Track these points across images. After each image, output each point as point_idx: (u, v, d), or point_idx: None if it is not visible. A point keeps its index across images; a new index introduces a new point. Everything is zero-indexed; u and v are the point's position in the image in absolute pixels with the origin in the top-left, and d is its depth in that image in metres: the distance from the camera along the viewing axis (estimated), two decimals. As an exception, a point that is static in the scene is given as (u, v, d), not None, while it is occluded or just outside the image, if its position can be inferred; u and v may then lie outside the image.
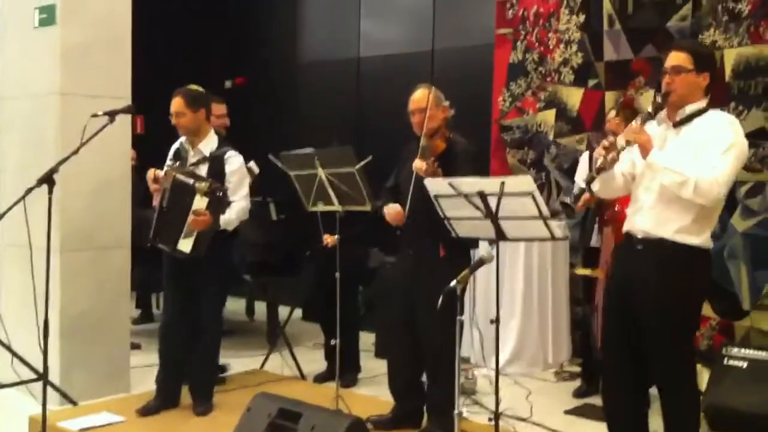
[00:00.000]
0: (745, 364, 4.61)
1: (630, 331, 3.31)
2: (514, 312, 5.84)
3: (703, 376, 5.19)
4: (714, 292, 5.59)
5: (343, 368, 5.42)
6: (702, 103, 3.27)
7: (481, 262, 3.05)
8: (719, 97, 5.49)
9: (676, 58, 3.22)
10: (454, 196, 2.99)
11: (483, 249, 3.30)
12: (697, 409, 3.32)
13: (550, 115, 6.39)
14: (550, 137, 6.39)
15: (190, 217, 4.20)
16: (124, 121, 5.02)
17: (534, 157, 6.50)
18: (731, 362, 4.68)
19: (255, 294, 7.47)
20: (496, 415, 3.20)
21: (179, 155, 4.53)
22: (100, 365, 4.97)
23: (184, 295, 4.50)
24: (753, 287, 5.42)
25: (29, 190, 3.80)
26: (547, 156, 6.42)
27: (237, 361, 5.85)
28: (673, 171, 3.10)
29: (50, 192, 3.78)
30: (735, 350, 4.73)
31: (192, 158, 4.48)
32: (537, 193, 2.87)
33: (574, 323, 6.03)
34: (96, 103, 4.63)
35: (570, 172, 6.22)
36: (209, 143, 4.51)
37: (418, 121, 4.02)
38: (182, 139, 4.54)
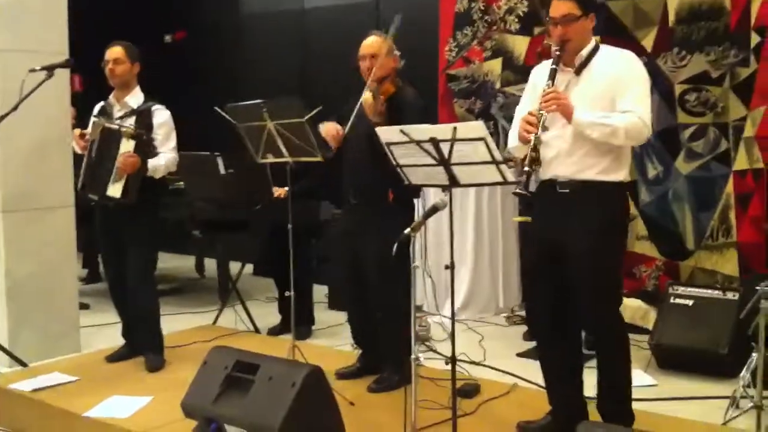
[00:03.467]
0: (690, 302, 4.74)
1: (557, 274, 3.32)
2: (465, 259, 5.89)
3: (650, 315, 5.36)
4: (659, 233, 5.73)
5: (298, 321, 5.47)
6: (592, 43, 3.29)
7: (435, 209, 3.04)
8: (663, 42, 5.58)
9: (563, 7, 3.19)
10: (407, 143, 2.96)
11: (436, 196, 3.28)
12: (626, 342, 3.37)
13: (496, 64, 6.39)
14: (497, 86, 6.39)
15: (119, 160, 4.16)
16: (62, 79, 4.92)
17: (481, 106, 6.51)
18: (677, 301, 4.80)
19: (204, 250, 7.41)
20: (453, 359, 3.22)
21: (104, 111, 4.48)
22: (49, 326, 4.88)
23: (119, 250, 4.46)
24: (697, 228, 5.55)
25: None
26: (495, 105, 6.43)
27: (189, 317, 5.83)
28: (600, 124, 3.12)
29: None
30: (681, 289, 4.85)
31: (118, 112, 4.44)
32: (489, 139, 2.86)
33: (523, 268, 6.12)
34: (34, 59, 4.51)
35: (517, 121, 6.27)
36: (135, 98, 4.48)
37: (368, 66, 3.98)
38: (110, 97, 4.48)
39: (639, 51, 5.48)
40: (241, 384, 3.13)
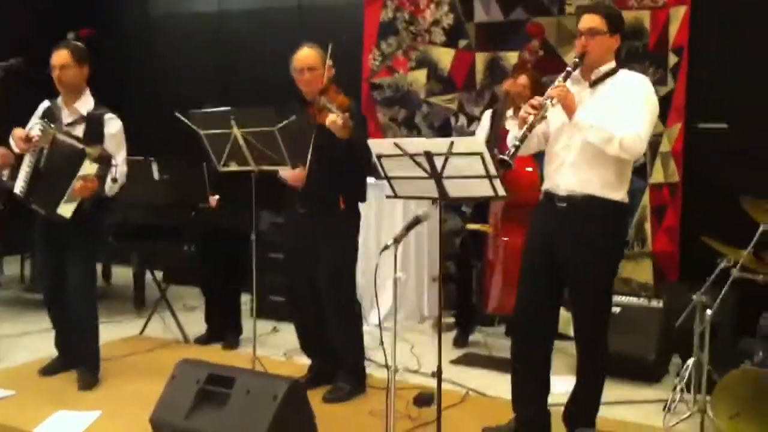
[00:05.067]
0: (618, 309, 4.94)
1: (549, 287, 3.46)
2: (389, 268, 5.90)
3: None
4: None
5: (226, 329, 5.40)
6: (613, 64, 3.43)
7: (418, 221, 3.08)
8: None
9: (591, 20, 3.34)
10: (399, 156, 2.98)
11: (419, 208, 3.33)
12: (607, 356, 3.53)
13: (421, 74, 6.48)
14: (422, 96, 6.48)
15: (77, 183, 3.97)
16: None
17: (405, 115, 6.58)
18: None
19: (113, 258, 7.14)
20: (439, 371, 3.27)
21: (51, 114, 4.23)
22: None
23: (59, 260, 4.26)
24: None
25: None
26: (419, 114, 6.52)
27: (104, 327, 5.61)
28: (600, 128, 3.24)
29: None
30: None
31: (67, 118, 4.23)
32: (487, 154, 2.93)
33: (446, 276, 6.22)
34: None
35: (441, 130, 6.37)
36: (86, 103, 4.28)
37: (308, 79, 3.98)
38: (57, 99, 4.26)
39: (562, 67, 5.81)
40: (215, 398, 3.07)
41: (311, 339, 4.33)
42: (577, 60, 3.35)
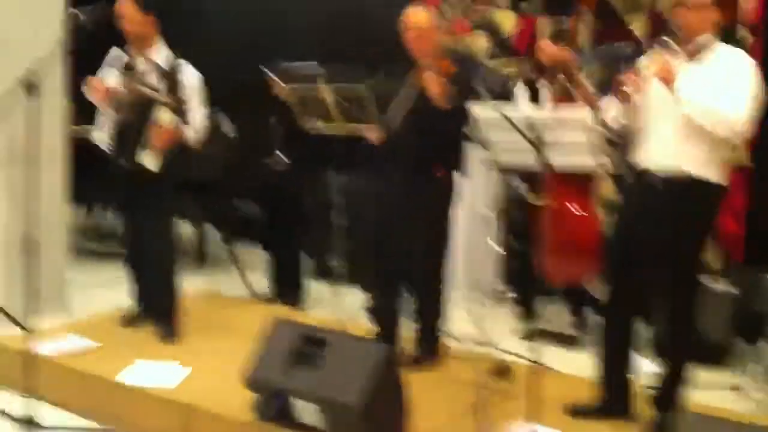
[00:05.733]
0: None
1: (639, 265, 3.43)
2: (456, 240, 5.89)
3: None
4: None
5: (291, 289, 5.41)
6: (710, 36, 3.34)
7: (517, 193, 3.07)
8: (655, 27, 5.63)
9: None
10: (503, 125, 2.95)
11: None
12: (691, 336, 3.52)
13: (480, 38, 6.39)
14: (481, 60, 6.38)
15: (156, 132, 3.97)
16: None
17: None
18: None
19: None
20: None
21: (128, 65, 4.21)
22: (36, 284, 4.63)
23: (138, 211, 4.29)
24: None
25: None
26: (478, 79, 6.41)
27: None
28: (700, 103, 3.18)
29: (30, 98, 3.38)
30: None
31: (141, 67, 4.19)
32: (591, 124, 2.90)
33: (508, 250, 6.20)
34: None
35: (499, 96, 6.27)
36: (160, 53, 4.24)
37: (412, 38, 3.92)
38: (130, 48, 4.22)
39: (630, 37, 5.71)
40: (310, 359, 3.08)
41: (383, 305, 4.28)
42: (675, 30, 3.28)
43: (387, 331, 4.24)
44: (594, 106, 4.79)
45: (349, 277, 5.57)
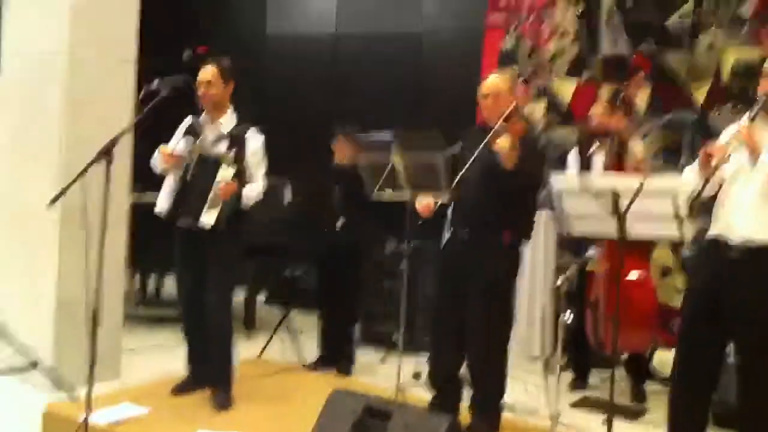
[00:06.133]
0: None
1: (714, 339, 3.34)
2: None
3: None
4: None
5: (341, 356, 5.36)
6: None
7: (588, 261, 3.03)
8: (717, 95, 5.62)
9: None
10: (582, 192, 2.91)
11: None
12: None
13: (540, 105, 6.38)
14: (540, 127, 6.37)
15: (217, 187, 4.04)
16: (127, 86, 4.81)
17: (522, 146, 6.47)
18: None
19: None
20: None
21: (194, 131, 4.29)
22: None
23: (198, 273, 4.27)
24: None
25: (90, 164, 3.49)
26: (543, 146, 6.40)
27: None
28: None
29: (108, 168, 3.48)
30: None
31: (211, 134, 4.27)
32: (680, 194, 2.85)
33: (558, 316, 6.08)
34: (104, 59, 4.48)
35: (557, 164, 6.23)
36: (229, 120, 4.33)
37: (487, 104, 3.91)
38: (201, 116, 4.32)
39: (690, 103, 5.66)
40: (373, 431, 3.00)
41: (444, 371, 4.18)
42: (765, 99, 3.21)
43: (445, 400, 4.15)
44: (644, 174, 4.74)
45: (404, 344, 5.53)
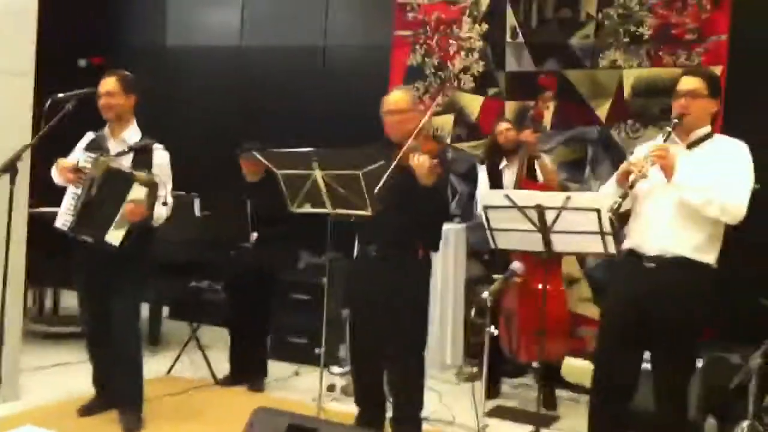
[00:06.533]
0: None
1: (632, 346, 3.44)
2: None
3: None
4: (604, 295, 5.90)
5: (253, 371, 5.27)
6: (709, 128, 3.45)
7: (513, 274, 3.06)
8: (619, 113, 5.84)
9: (692, 82, 3.38)
10: (508, 208, 2.95)
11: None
12: (686, 417, 3.50)
13: (447, 120, 6.47)
14: (447, 141, 6.46)
15: (126, 207, 3.88)
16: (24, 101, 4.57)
17: (429, 160, 6.53)
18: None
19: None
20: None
21: (97, 145, 4.15)
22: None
23: (102, 291, 4.13)
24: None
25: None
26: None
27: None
28: (701, 190, 3.24)
29: (12, 182, 3.32)
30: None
31: (114, 148, 4.16)
32: (604, 210, 2.92)
33: (469, 325, 6.18)
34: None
35: (466, 177, 6.34)
36: (133, 133, 4.22)
37: (396, 121, 3.96)
38: (104, 129, 4.19)
39: (593, 120, 5.87)
40: (299, 450, 2.92)
41: (366, 386, 4.18)
42: (676, 121, 3.36)
43: (371, 415, 4.14)
44: (556, 188, 4.88)
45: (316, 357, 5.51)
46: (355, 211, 3.65)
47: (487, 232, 3.17)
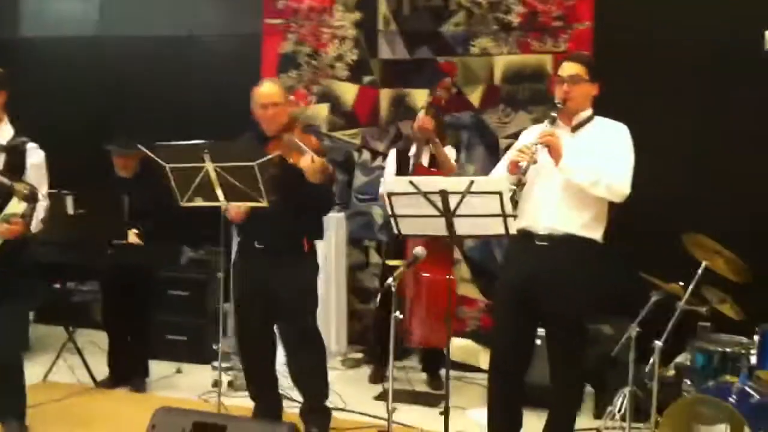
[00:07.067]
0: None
1: (525, 323, 3.56)
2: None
3: (482, 355, 5.66)
4: (482, 275, 6.07)
5: (134, 372, 5.10)
6: (590, 111, 3.60)
7: (416, 259, 3.10)
8: (490, 99, 6.00)
9: (573, 68, 3.51)
10: (412, 194, 2.97)
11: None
12: (583, 388, 3.63)
13: (323, 108, 6.45)
14: (323, 130, 6.44)
15: (2, 225, 3.64)
16: None
17: (306, 149, 6.49)
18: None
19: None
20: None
21: None
22: None
23: None
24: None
25: None
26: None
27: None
28: (587, 170, 3.38)
29: None
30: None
31: None
32: (506, 194, 2.98)
33: (352, 312, 6.22)
34: None
35: (344, 166, 6.35)
36: (5, 132, 3.97)
37: (271, 114, 3.93)
38: None
39: (466, 106, 6.00)
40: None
41: (260, 381, 4.13)
42: (560, 105, 3.47)
43: (267, 408, 4.10)
44: (453, 173, 4.98)
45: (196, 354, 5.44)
46: (250, 202, 3.59)
47: (391, 219, 3.18)
